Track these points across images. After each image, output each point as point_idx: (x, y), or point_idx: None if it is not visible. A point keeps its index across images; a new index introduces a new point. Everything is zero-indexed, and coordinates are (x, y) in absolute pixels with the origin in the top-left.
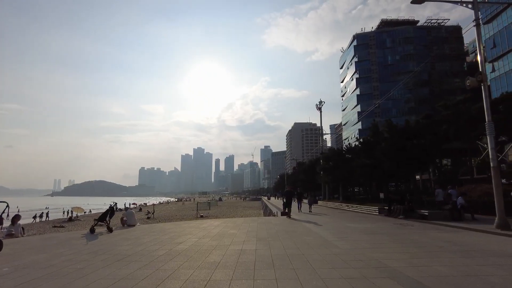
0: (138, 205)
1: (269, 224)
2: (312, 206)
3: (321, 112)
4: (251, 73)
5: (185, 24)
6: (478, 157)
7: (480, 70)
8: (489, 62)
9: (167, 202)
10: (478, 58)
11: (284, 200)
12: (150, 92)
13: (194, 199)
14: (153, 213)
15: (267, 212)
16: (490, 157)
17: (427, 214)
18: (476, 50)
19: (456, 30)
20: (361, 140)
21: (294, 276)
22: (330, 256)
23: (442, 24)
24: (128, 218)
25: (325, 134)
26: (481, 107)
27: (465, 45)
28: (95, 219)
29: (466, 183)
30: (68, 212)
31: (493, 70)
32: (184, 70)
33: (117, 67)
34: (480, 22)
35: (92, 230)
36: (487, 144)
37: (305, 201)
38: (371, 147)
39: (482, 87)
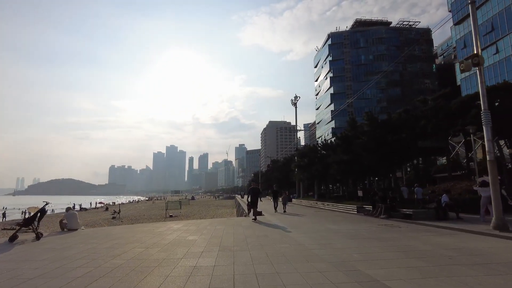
0: (105, 204)
1: (238, 227)
2: (287, 205)
3: (296, 107)
4: (227, 71)
5: (158, 18)
6: (451, 156)
7: (475, 52)
8: (459, 63)
9: (137, 201)
10: (473, 39)
11: (249, 200)
12: (121, 87)
13: (165, 198)
14: (119, 213)
15: (240, 212)
16: (487, 149)
17: (411, 213)
18: (444, 53)
19: (426, 33)
20: (338, 135)
21: None
22: (315, 275)
23: (414, 26)
24: (68, 221)
25: (300, 130)
26: (462, 102)
27: (435, 47)
28: (18, 224)
29: (442, 181)
30: (24, 213)
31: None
32: (157, 66)
33: (86, 60)
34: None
35: (12, 238)
36: (470, 139)
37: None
38: (349, 142)
39: (478, 71)
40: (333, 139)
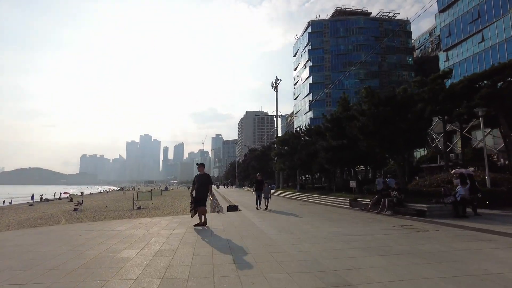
0: (70, 194)
1: (205, 233)
2: (269, 200)
3: (277, 91)
4: (205, 60)
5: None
6: (433, 145)
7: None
8: (444, 51)
9: (108, 192)
10: None
11: (193, 195)
12: (93, 72)
13: (138, 188)
14: (81, 204)
15: (214, 204)
16: None
17: (425, 209)
18: (422, 46)
19: (405, 25)
20: (328, 117)
21: None
22: None
23: (393, 17)
24: None
25: (280, 116)
26: (471, 80)
27: (413, 40)
28: None
29: (430, 171)
30: None
31: (447, 59)
32: (131, 51)
33: (54, 43)
34: None
35: None
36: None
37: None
38: (341, 125)
39: None
40: (321, 124)
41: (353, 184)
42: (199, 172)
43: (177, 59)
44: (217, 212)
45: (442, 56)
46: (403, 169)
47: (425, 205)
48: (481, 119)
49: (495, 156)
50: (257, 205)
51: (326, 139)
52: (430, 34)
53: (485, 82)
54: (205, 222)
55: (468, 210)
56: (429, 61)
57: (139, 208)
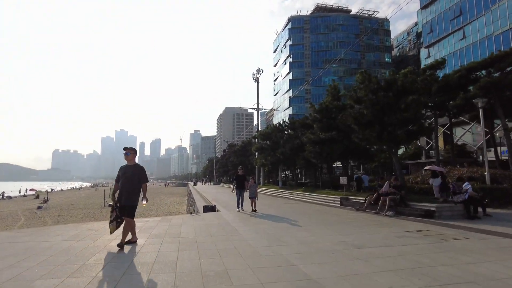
0: (36, 191)
1: (171, 243)
2: (256, 199)
3: (258, 83)
4: (187, 56)
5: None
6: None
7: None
8: (425, 47)
9: (79, 188)
10: None
11: (115, 197)
12: (69, 64)
13: (112, 185)
14: (46, 202)
15: (190, 201)
16: None
17: (434, 209)
18: (400, 45)
19: (384, 23)
20: (317, 107)
21: None
22: None
23: (373, 15)
24: None
25: (261, 109)
26: (469, 69)
27: (392, 39)
28: None
29: (415, 168)
30: None
31: (429, 56)
32: (108, 40)
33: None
34: None
35: None
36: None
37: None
38: (330, 115)
39: None
40: (307, 115)
41: (343, 180)
42: (126, 163)
43: (176, 59)
44: (191, 213)
45: (423, 52)
46: (383, 165)
47: (434, 205)
48: (480, 111)
49: (475, 153)
50: (238, 206)
51: (313, 131)
52: (408, 33)
53: (483, 72)
54: (131, 241)
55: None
56: (406, 60)
57: (109, 205)
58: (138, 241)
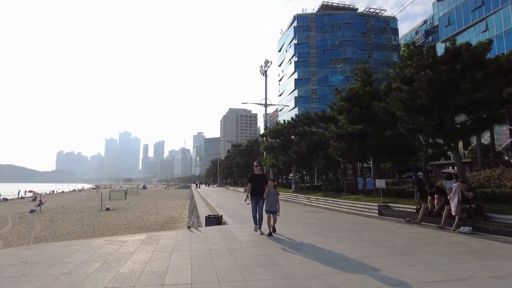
0: (34, 193)
1: None
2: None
3: (266, 76)
4: (190, 59)
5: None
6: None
7: None
8: (442, 41)
9: (81, 190)
10: None
11: None
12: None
13: (112, 187)
14: (40, 205)
15: (193, 205)
16: None
17: None
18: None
19: (391, 21)
20: (344, 95)
21: None
22: None
23: (380, 14)
24: None
25: (270, 105)
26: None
27: (399, 38)
28: None
29: (439, 168)
30: None
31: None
32: (113, 42)
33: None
34: None
35: None
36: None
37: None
38: (362, 104)
39: None
40: (337, 103)
41: (381, 183)
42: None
43: (180, 62)
44: (189, 227)
45: (440, 47)
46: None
47: None
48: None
49: (506, 154)
50: (255, 224)
51: (338, 124)
52: (416, 32)
53: None
54: None
55: None
56: None
57: (107, 209)
58: None
